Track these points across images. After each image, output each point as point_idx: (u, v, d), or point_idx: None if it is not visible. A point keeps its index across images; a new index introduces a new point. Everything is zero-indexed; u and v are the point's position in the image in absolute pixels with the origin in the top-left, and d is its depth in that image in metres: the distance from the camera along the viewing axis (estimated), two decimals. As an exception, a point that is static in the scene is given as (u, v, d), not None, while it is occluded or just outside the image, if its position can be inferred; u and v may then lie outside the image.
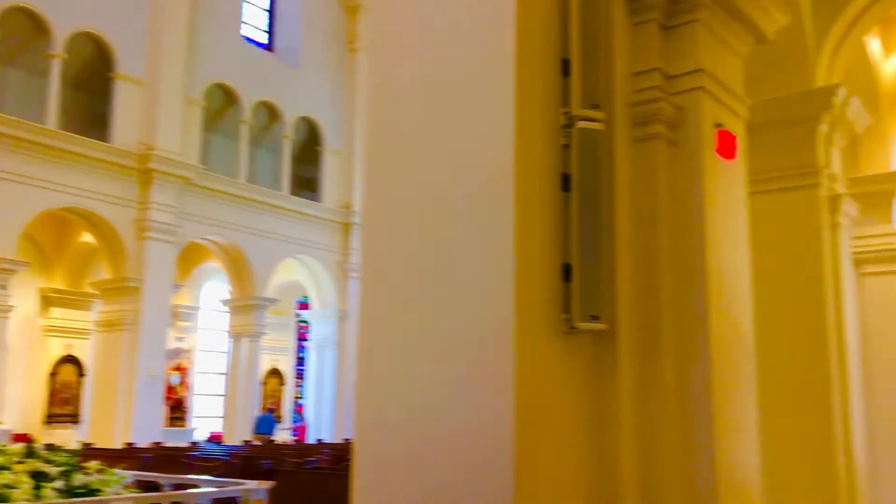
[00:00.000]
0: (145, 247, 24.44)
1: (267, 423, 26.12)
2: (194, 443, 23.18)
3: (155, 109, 24.94)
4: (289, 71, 30.53)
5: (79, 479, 7.09)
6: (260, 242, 28.41)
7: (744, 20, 5.68)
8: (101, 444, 20.03)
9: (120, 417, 23.43)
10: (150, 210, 24.56)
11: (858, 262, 10.13)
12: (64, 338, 26.10)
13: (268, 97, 29.52)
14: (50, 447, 7.85)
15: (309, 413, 32.36)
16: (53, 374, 25.68)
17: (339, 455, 16.08)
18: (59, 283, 26.63)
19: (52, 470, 6.99)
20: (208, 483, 9.56)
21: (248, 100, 28.75)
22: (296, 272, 31.47)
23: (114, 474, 7.40)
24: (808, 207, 8.05)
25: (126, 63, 24.66)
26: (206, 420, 29.72)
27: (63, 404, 25.56)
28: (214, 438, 27.38)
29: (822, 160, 8.10)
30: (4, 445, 7.51)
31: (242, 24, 29.94)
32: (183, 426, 27.94)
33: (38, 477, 6.85)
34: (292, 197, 29.86)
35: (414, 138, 4.85)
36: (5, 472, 6.73)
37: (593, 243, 4.90)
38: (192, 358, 29.96)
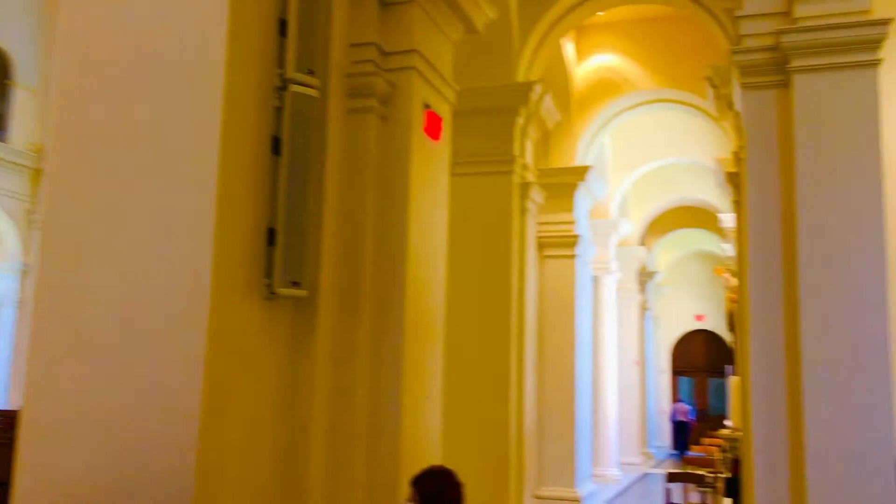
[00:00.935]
0: None
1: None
2: None
3: None
4: (-29, -11, 26.51)
5: None
6: (-75, 183, 24.47)
7: (456, 8, 5.93)
8: None
9: None
10: None
11: (541, 246, 11.17)
12: None
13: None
14: None
15: (-23, 378, 28.67)
16: None
17: (11, 423, 14.43)
18: None
19: None
20: None
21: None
22: (-31, 220, 27.58)
23: None
24: (502, 192, 8.70)
25: None
26: None
27: None
28: None
29: (517, 150, 8.79)
30: None
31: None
32: None
33: None
34: (-31, 135, 26.04)
35: (113, 83, 4.42)
36: None
37: (300, 209, 4.86)
38: None
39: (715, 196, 14.74)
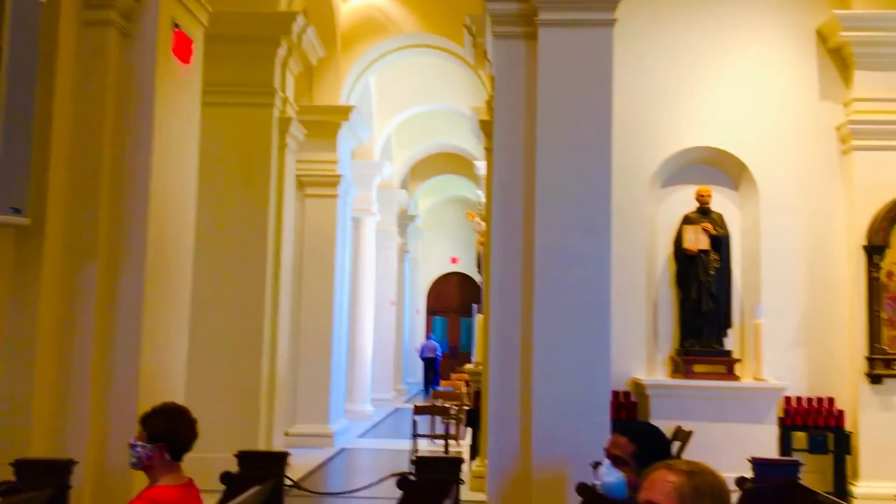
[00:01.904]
0: None
1: None
2: None
3: None
4: None
5: None
6: None
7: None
8: None
9: None
10: None
11: (302, 184, 11.03)
12: None
13: None
14: None
15: None
16: None
17: None
18: None
19: None
20: None
21: None
22: None
23: None
24: (261, 126, 8.42)
25: None
26: None
27: None
28: None
29: (277, 82, 8.52)
30: None
31: None
32: None
33: None
34: None
35: None
36: None
37: (22, 129, 4.39)
38: None
39: (471, 144, 15.35)
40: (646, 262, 8.03)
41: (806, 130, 8.11)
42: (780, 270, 7.98)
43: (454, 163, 19.20)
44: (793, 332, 7.97)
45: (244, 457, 4.08)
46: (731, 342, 7.99)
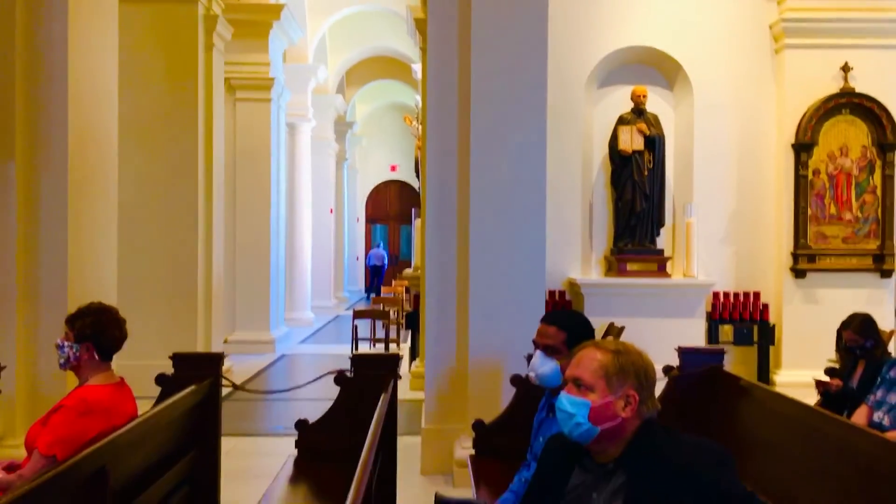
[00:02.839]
0: None
1: None
2: None
3: None
4: None
5: None
6: None
7: None
8: None
9: None
10: None
11: (232, 88, 10.66)
12: None
13: None
14: None
15: None
16: None
17: None
18: None
19: None
20: None
21: None
22: None
23: None
24: (185, 24, 8.04)
25: None
26: None
27: None
28: None
29: (200, -23, 8.10)
30: None
31: None
32: None
33: None
34: None
35: None
36: None
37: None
38: None
39: (409, 47, 14.97)
40: (581, 163, 8.08)
41: (740, 29, 8.13)
42: (711, 170, 8.12)
43: (392, 67, 18.76)
44: (722, 230, 8.19)
45: (179, 358, 4.03)
46: (663, 241, 8.17)
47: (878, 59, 7.93)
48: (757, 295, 8.07)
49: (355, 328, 10.08)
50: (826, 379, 4.88)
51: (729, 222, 8.19)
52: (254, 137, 11.09)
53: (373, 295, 19.57)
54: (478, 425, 4.07)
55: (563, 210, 7.84)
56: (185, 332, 7.91)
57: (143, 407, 3.31)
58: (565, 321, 2.88)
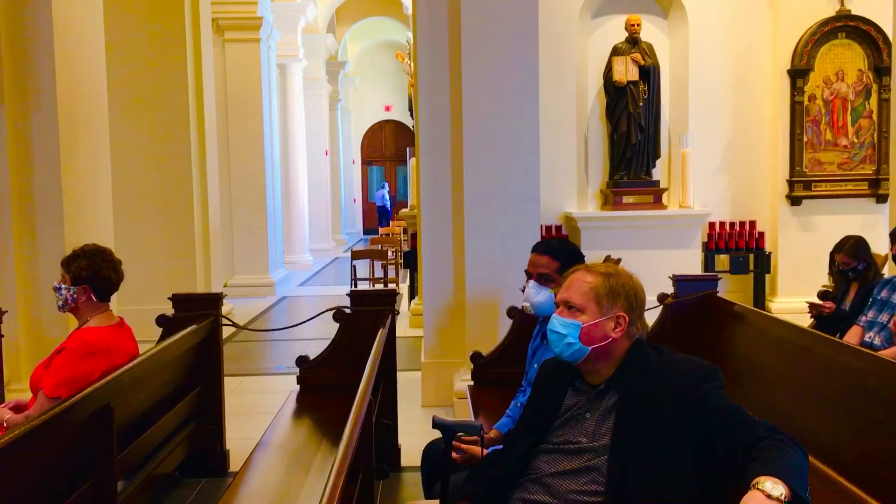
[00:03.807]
0: None
1: None
2: None
3: None
4: None
5: None
6: None
7: None
8: None
9: None
10: None
11: (220, 28, 10.49)
12: None
13: None
14: None
15: None
16: None
17: None
18: None
19: None
20: None
21: None
22: None
23: None
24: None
25: None
26: None
27: None
28: None
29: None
30: None
31: None
32: None
33: None
34: None
35: None
36: None
37: None
38: None
39: (399, -18, 14.67)
40: (576, 95, 8.01)
41: (735, -47, 7.97)
42: (707, 99, 8.06)
43: (383, 3, 18.41)
44: (718, 159, 8.17)
45: (179, 299, 4.07)
46: (659, 173, 8.15)
47: (875, -20, 7.79)
48: (753, 223, 8.10)
49: (354, 269, 10.12)
50: (819, 302, 4.93)
51: (724, 151, 8.16)
52: (244, 79, 10.97)
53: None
54: (476, 357, 4.13)
55: (558, 144, 7.80)
56: (184, 276, 7.95)
57: (146, 349, 3.36)
58: (557, 250, 2.91)
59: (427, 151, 5.45)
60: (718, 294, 4.30)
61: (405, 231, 12.24)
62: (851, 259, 4.74)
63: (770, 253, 8.05)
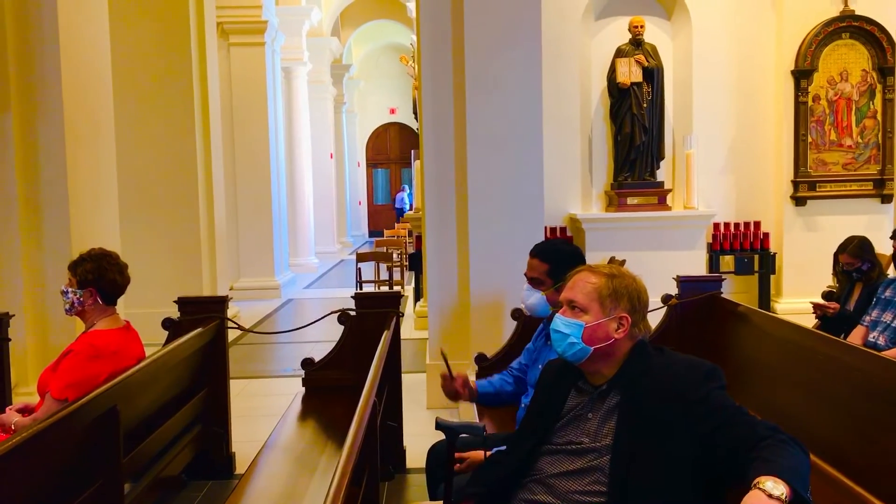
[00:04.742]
0: None
1: None
2: None
3: None
4: None
5: None
6: None
7: None
8: None
9: None
10: None
11: (225, 33, 10.52)
12: None
13: None
14: None
15: None
16: None
17: None
18: None
19: None
20: None
21: None
22: None
23: None
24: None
25: None
26: None
27: None
28: None
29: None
30: None
31: None
32: None
33: None
34: None
35: None
36: None
37: None
38: None
39: (403, -15, 14.69)
40: (580, 97, 8.01)
41: (739, -46, 7.97)
42: (710, 99, 8.06)
43: (387, 6, 18.46)
44: (722, 160, 8.17)
45: (184, 302, 4.09)
46: (663, 174, 8.15)
47: (879, -20, 7.79)
48: (757, 224, 8.09)
49: (359, 271, 10.14)
50: (823, 302, 4.93)
51: (729, 152, 8.16)
52: (249, 83, 11.01)
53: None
54: (480, 359, 4.14)
55: (562, 146, 7.81)
56: (190, 279, 7.98)
57: (152, 352, 3.38)
58: (547, 252, 2.97)
59: (431, 154, 5.47)
60: (723, 295, 4.30)
61: (410, 233, 12.25)
62: (855, 259, 4.74)
63: (775, 254, 8.04)
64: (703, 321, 4.19)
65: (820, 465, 2.73)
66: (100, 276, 3.07)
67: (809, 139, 7.88)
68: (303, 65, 14.29)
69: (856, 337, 4.31)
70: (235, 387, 5.00)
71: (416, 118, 12.46)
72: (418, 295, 8.87)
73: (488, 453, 2.33)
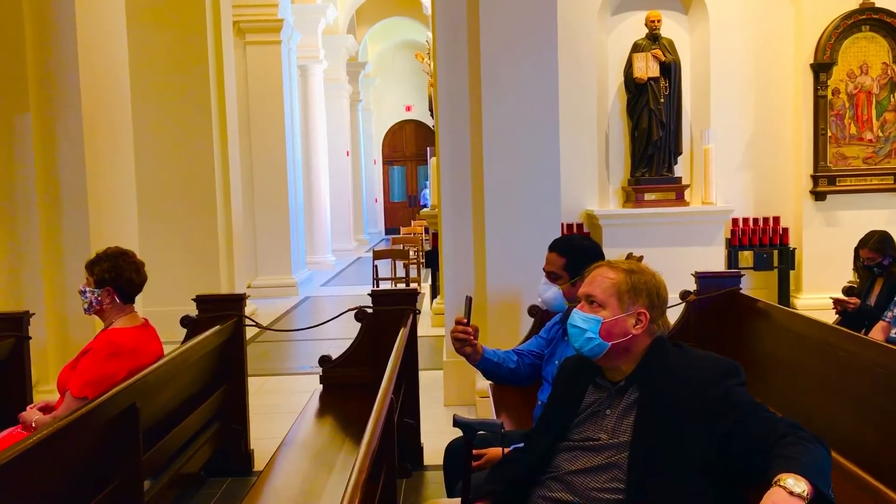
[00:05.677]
0: None
1: None
2: None
3: None
4: None
5: None
6: None
7: None
8: None
9: None
10: None
11: (241, 31, 10.56)
12: None
13: None
14: None
15: None
16: None
17: None
18: None
19: None
20: None
21: None
22: None
23: None
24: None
25: None
26: None
27: None
28: None
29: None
30: None
31: None
32: None
33: None
34: None
35: None
36: None
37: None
38: None
39: (418, -18, 14.68)
40: (596, 93, 7.97)
41: (757, -53, 7.89)
42: (728, 94, 7.99)
43: (402, 2, 18.44)
44: (741, 155, 8.10)
45: (202, 300, 4.11)
46: (681, 169, 8.10)
47: (900, -29, 7.69)
48: (777, 219, 8.02)
49: (376, 268, 10.16)
50: (844, 298, 4.88)
51: (747, 147, 8.09)
52: (265, 81, 11.05)
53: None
54: (497, 355, 4.12)
55: (578, 142, 7.77)
56: (208, 277, 8.02)
57: (171, 350, 3.40)
58: (564, 246, 2.97)
59: (447, 150, 5.46)
60: (742, 291, 4.27)
61: (427, 230, 12.26)
62: (876, 254, 4.69)
63: (794, 249, 7.97)
64: (722, 317, 4.16)
65: (841, 461, 2.70)
66: (117, 275, 3.09)
67: (829, 133, 7.80)
68: (319, 63, 14.32)
69: (877, 332, 4.27)
70: (253, 384, 5.02)
71: (432, 115, 12.46)
72: (435, 292, 8.87)
73: (506, 450, 2.33)
